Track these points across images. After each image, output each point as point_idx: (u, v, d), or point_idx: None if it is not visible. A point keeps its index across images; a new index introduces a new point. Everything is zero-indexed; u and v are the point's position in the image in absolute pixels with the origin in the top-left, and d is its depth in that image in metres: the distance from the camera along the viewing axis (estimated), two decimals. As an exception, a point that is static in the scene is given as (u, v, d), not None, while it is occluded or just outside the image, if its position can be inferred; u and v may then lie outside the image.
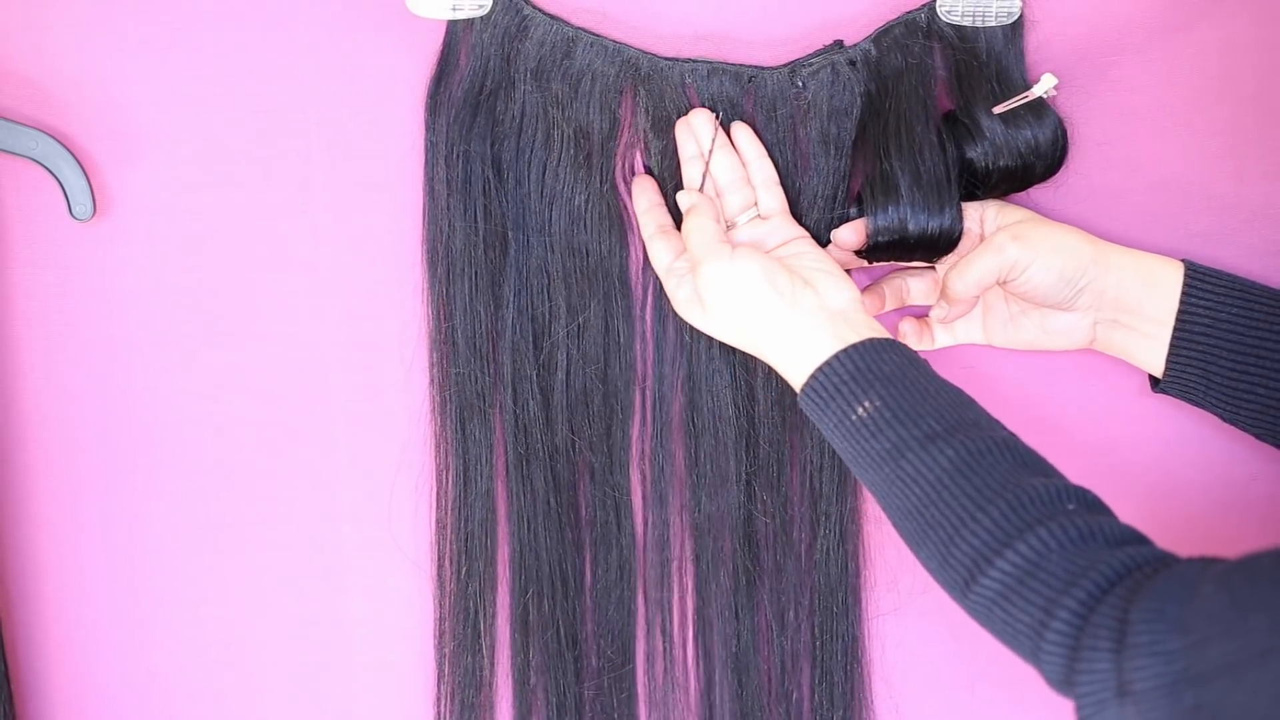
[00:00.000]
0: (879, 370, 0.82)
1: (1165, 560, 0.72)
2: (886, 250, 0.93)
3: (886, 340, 0.85)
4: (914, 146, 0.91)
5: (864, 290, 0.97)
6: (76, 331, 1.00)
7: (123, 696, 1.06)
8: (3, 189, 0.98)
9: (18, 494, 1.03)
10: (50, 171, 0.95)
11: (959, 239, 0.92)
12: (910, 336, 0.97)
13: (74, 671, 1.05)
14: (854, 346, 0.84)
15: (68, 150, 0.95)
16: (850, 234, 0.93)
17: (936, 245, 0.92)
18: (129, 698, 1.06)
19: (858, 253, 0.94)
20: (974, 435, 0.79)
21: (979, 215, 0.94)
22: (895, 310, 0.99)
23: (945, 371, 0.86)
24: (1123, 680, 0.67)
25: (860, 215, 0.93)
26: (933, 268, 0.98)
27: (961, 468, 0.78)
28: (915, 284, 0.98)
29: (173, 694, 1.06)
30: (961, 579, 0.76)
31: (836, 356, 0.83)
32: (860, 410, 0.81)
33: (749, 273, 0.87)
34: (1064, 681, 0.71)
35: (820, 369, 0.84)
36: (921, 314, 0.99)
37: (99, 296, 1.00)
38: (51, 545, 1.04)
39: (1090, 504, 0.77)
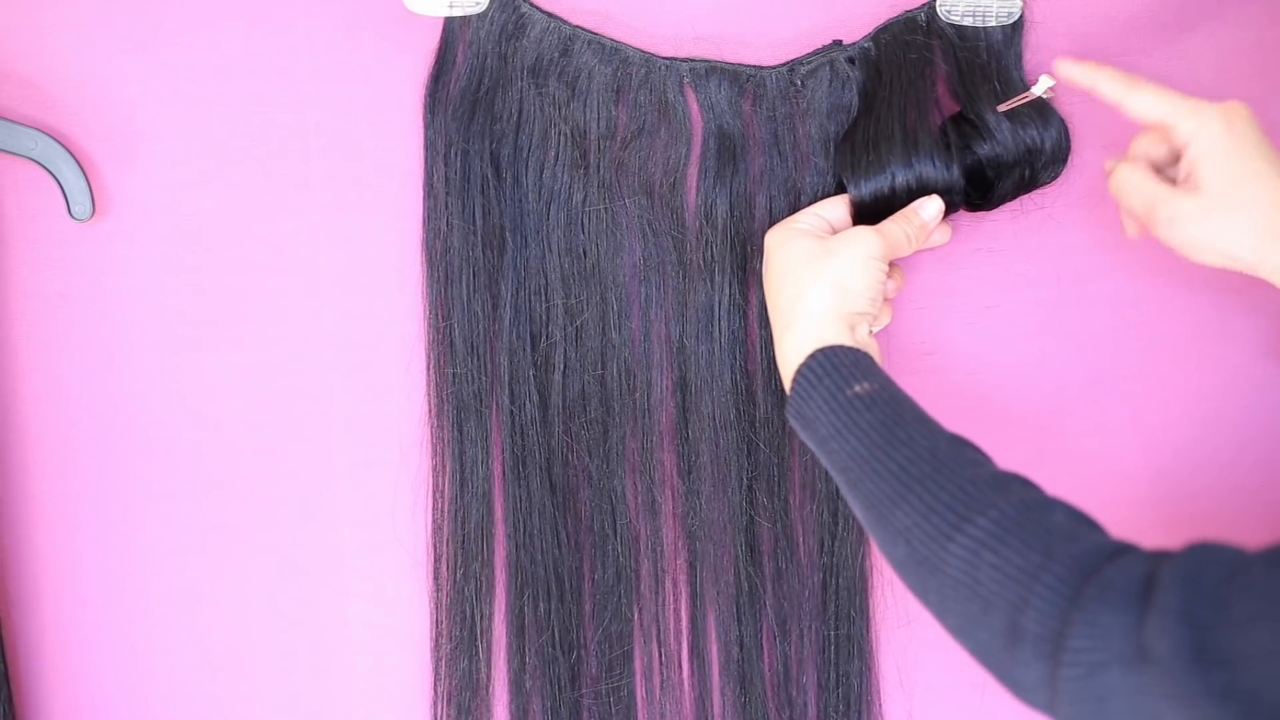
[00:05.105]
0: (876, 370, 0.84)
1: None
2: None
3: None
4: (906, 131, 0.90)
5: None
6: (75, 331, 1.00)
7: (121, 697, 1.05)
8: (2, 189, 0.98)
9: (16, 494, 1.03)
10: (50, 171, 0.95)
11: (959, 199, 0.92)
12: None
13: (73, 673, 1.05)
14: (855, 348, 0.85)
15: (67, 150, 0.95)
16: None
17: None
18: (127, 698, 1.05)
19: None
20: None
21: None
22: None
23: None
24: (1142, 643, 0.63)
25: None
26: None
27: (958, 440, 0.78)
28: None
29: (171, 695, 1.05)
30: (949, 523, 0.72)
31: (842, 346, 0.84)
32: (858, 388, 0.81)
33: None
34: (1050, 636, 0.65)
35: (827, 349, 0.84)
36: None
37: (98, 296, 1.00)
38: (50, 546, 1.03)
39: None
